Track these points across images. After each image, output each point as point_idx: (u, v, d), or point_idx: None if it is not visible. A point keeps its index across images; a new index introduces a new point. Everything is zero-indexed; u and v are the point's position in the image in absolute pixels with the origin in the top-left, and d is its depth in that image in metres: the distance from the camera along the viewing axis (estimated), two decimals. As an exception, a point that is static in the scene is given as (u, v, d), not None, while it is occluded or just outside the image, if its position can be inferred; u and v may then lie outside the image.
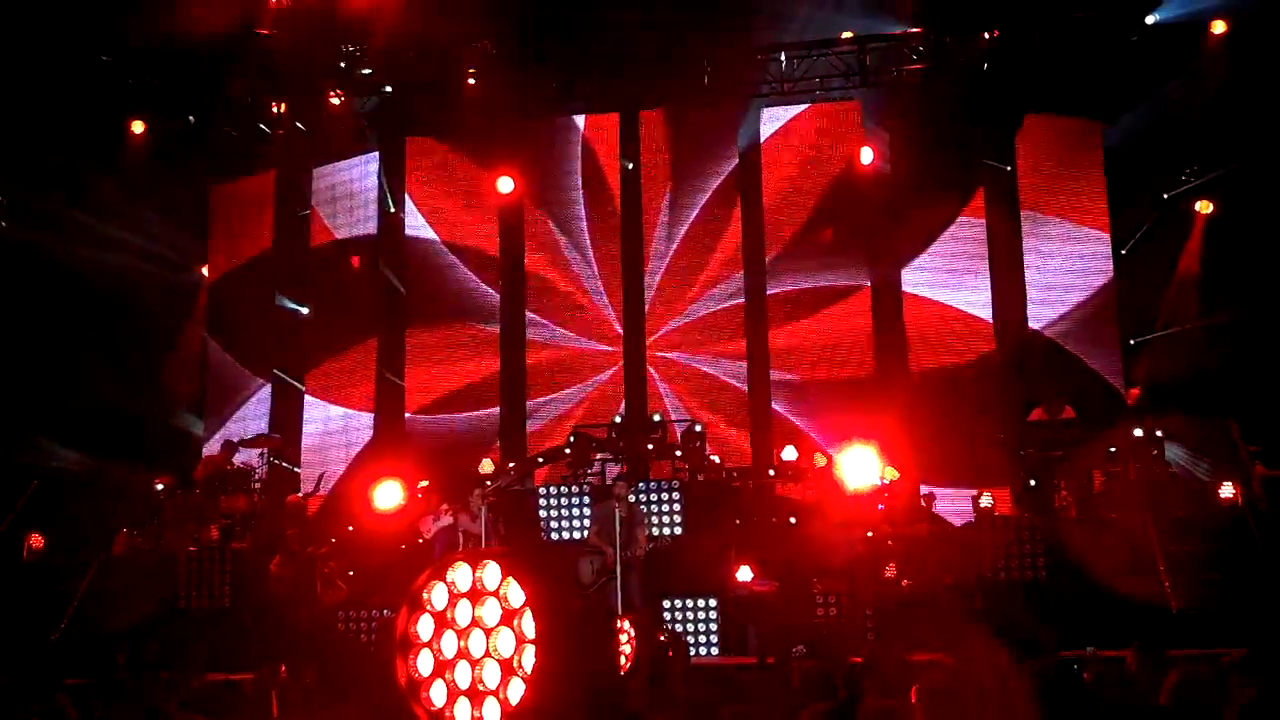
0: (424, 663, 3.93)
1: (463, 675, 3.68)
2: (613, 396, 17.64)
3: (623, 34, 17.07)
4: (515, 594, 3.66)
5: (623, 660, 7.55)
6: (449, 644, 3.69)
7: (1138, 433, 14.55)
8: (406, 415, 18.17)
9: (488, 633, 3.68)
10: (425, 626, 3.83)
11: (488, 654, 3.66)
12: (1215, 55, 15.82)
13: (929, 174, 17.03)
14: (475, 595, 3.67)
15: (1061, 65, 16.40)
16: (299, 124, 18.81)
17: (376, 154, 18.76)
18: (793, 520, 13.98)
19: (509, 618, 3.63)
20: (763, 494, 14.81)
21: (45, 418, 16.44)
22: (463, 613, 3.70)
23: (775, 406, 17.24)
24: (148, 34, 15.71)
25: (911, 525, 13.81)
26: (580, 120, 18.46)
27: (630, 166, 18.18)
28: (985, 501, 14.10)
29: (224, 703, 10.33)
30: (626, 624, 7.74)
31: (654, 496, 13.85)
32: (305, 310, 18.88)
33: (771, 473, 15.21)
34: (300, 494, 15.89)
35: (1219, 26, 15.92)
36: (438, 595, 3.82)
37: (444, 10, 16.91)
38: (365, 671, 9.04)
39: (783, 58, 17.69)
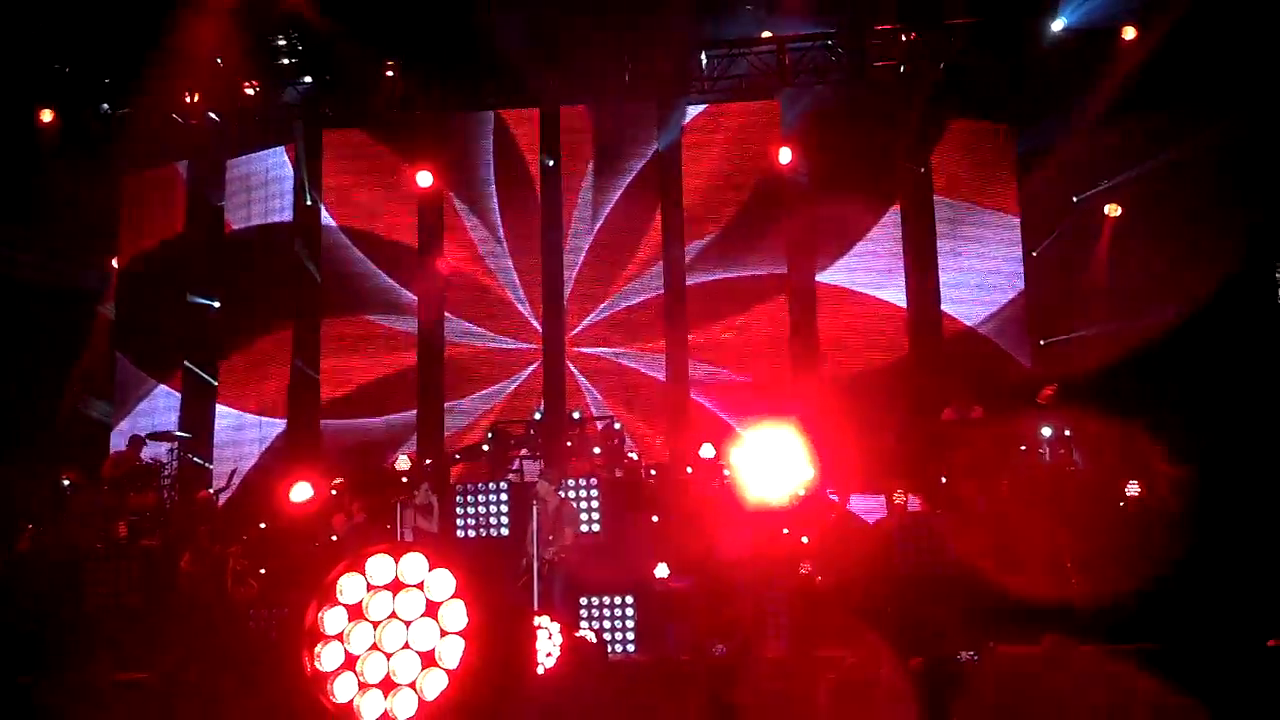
0: (331, 656, 3.85)
1: (374, 668, 3.61)
2: (532, 394, 17.57)
3: (543, 29, 17.05)
4: (441, 585, 3.61)
5: (546, 658, 7.55)
6: (361, 637, 3.61)
7: (1046, 431, 14.85)
8: (322, 421, 17.94)
9: (406, 625, 3.62)
10: (335, 619, 3.74)
11: (405, 646, 3.60)
12: (1126, 60, 16.14)
13: (848, 175, 17.18)
14: (396, 587, 3.60)
15: (977, 70, 16.68)
16: (213, 114, 18.50)
17: (292, 145, 18.50)
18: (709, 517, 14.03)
19: (432, 609, 3.57)
20: (679, 491, 14.84)
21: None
22: (379, 605, 3.63)
23: (695, 398, 17.30)
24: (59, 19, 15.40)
25: (821, 521, 13.94)
26: (500, 115, 18.35)
27: (551, 163, 18.14)
28: (898, 499, 14.26)
29: (132, 701, 10.17)
30: (549, 621, 7.73)
31: (572, 494, 13.81)
32: (216, 304, 18.58)
33: (689, 470, 15.26)
34: (211, 490, 15.61)
35: (1129, 32, 16.26)
36: (351, 587, 3.74)
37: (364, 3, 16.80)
38: (270, 666, 8.92)
39: (703, 56, 17.75)
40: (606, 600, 12.91)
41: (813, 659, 9.45)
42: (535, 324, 17.86)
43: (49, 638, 12.26)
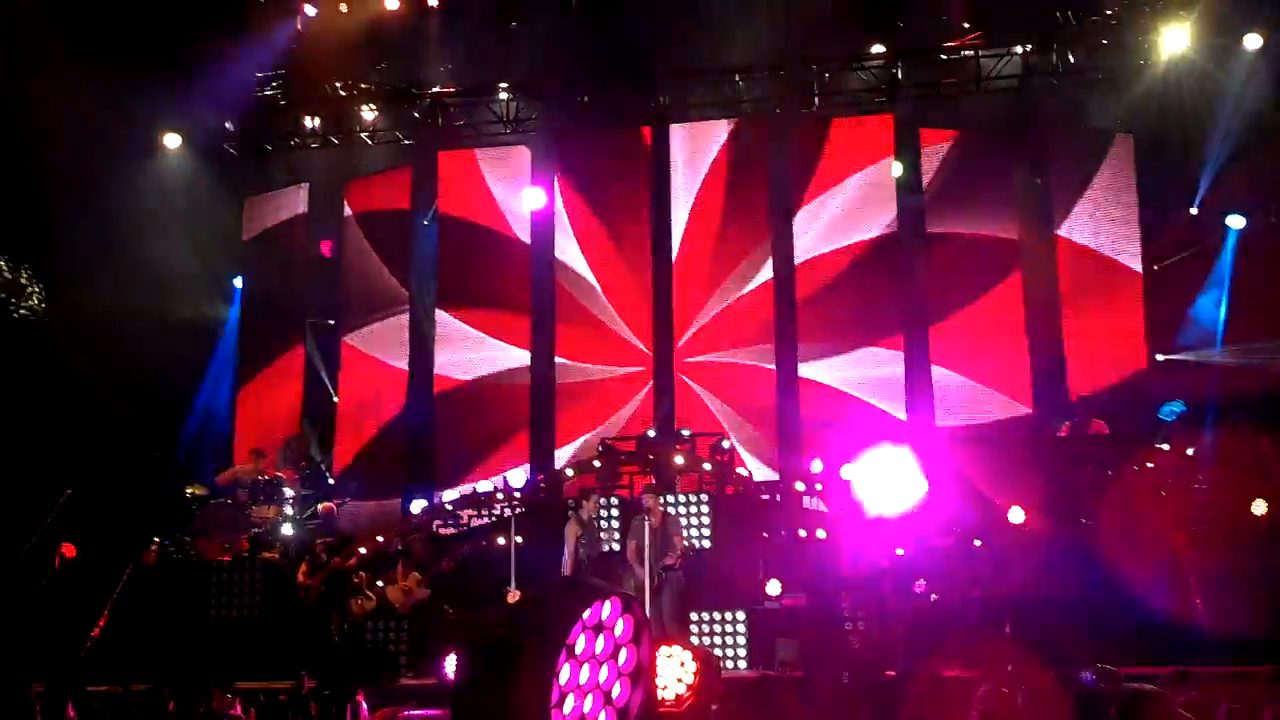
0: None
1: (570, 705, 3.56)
2: (645, 417, 17.34)
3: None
4: (623, 629, 3.58)
5: (677, 684, 7.45)
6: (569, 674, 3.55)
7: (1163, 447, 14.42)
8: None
9: (598, 664, 3.58)
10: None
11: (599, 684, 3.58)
12: None
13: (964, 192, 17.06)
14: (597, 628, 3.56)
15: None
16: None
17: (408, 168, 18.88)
18: (821, 534, 13.94)
19: (614, 651, 3.55)
20: (790, 507, 14.71)
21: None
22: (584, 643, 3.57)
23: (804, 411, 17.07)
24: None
25: (939, 537, 13.74)
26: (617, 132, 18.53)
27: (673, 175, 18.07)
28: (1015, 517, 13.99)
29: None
30: (687, 653, 7.60)
31: (682, 510, 13.80)
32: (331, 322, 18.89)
33: (800, 486, 15.05)
34: (332, 502, 15.80)
35: None
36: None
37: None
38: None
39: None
40: (718, 616, 12.91)
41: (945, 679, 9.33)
42: (640, 345, 17.69)
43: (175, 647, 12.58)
